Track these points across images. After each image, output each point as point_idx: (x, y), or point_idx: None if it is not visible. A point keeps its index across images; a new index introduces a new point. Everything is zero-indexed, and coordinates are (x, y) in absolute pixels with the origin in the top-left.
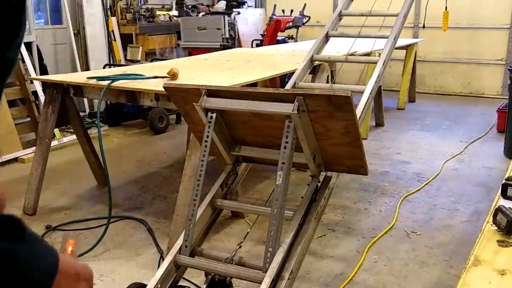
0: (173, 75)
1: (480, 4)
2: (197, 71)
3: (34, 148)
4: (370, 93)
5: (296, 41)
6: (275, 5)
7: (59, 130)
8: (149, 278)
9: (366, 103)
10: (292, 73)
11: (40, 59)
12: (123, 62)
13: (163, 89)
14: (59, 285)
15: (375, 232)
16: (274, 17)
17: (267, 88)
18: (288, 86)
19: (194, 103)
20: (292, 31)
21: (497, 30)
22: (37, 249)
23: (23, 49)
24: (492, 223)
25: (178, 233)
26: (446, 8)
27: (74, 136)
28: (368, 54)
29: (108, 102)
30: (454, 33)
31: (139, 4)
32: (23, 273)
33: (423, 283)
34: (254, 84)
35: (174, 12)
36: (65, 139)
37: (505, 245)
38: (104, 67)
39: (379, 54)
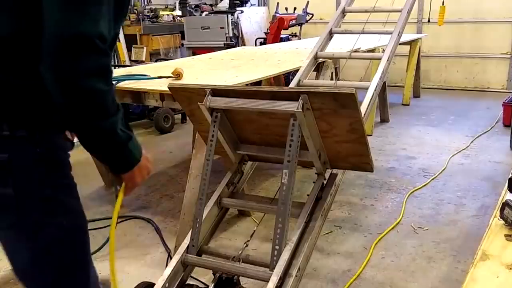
0: (177, 75)
1: None
2: (201, 70)
3: None
4: (375, 90)
5: (300, 38)
6: (278, 3)
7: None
8: (157, 277)
9: (371, 99)
10: (296, 70)
11: None
12: (127, 62)
13: (168, 89)
14: (142, 162)
15: (382, 228)
16: (277, 15)
17: (272, 87)
18: (293, 84)
19: (199, 103)
20: (296, 29)
21: (501, 23)
22: (136, 140)
23: None
24: (499, 217)
25: (185, 232)
26: (443, 3)
27: None
28: (372, 50)
29: None
30: (458, 28)
31: (143, 4)
32: (131, 148)
33: (431, 279)
34: (258, 83)
35: (178, 12)
36: None
37: None
38: None
39: (383, 50)
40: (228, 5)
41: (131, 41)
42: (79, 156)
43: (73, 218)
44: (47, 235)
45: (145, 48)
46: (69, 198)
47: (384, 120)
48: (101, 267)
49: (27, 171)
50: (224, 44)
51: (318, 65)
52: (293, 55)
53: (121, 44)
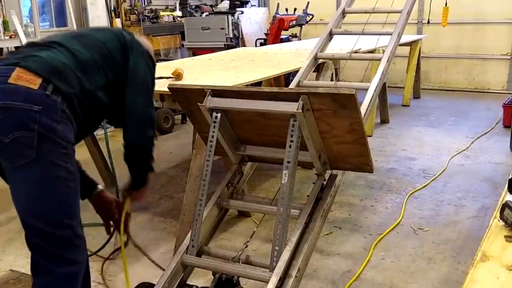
0: (177, 76)
1: None
2: (201, 71)
3: None
4: (375, 90)
5: (300, 39)
6: (278, 4)
7: None
8: (157, 277)
9: (370, 100)
10: (296, 71)
11: None
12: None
13: (168, 90)
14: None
15: (382, 229)
16: (278, 15)
17: (272, 88)
18: (293, 84)
19: (198, 104)
20: (296, 30)
21: (501, 24)
22: None
23: None
24: (499, 218)
25: (185, 232)
26: (446, 3)
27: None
28: (372, 51)
29: None
30: (459, 29)
31: (143, 5)
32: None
33: (430, 280)
34: (258, 83)
35: (178, 13)
36: None
37: None
38: None
39: (383, 51)
40: (228, 6)
41: None
42: (78, 157)
43: (75, 166)
44: (58, 175)
45: None
46: (73, 154)
47: (384, 121)
48: (101, 267)
49: (51, 124)
50: (225, 44)
51: (318, 66)
52: (293, 56)
53: None
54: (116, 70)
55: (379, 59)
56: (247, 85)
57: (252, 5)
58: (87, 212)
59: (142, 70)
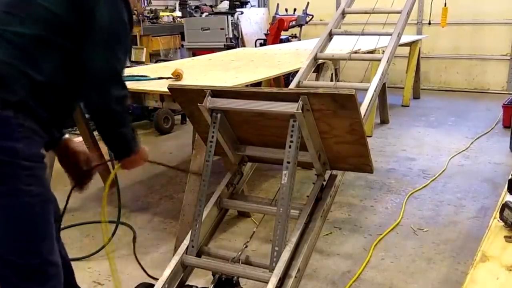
0: (177, 76)
1: None
2: (201, 71)
3: None
4: (375, 91)
5: (300, 39)
6: (278, 4)
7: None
8: (157, 277)
9: (370, 100)
10: (296, 71)
11: None
12: (127, 63)
13: (168, 90)
14: (138, 153)
15: (382, 229)
16: (277, 16)
17: (272, 88)
18: (292, 85)
19: (198, 104)
20: (296, 30)
21: (501, 25)
22: (136, 136)
23: None
24: (499, 219)
25: (185, 232)
26: (445, 4)
27: (80, 138)
28: (372, 52)
29: None
30: (458, 29)
31: (143, 5)
32: (132, 144)
33: (430, 280)
34: (258, 84)
35: (178, 13)
36: None
37: None
38: None
39: (383, 51)
40: (228, 6)
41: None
42: None
43: (42, 186)
44: (19, 201)
45: (145, 49)
46: (41, 171)
47: (384, 121)
48: (101, 267)
49: (11, 145)
50: (224, 45)
51: (318, 66)
52: (293, 56)
53: None
54: (73, 34)
55: (379, 60)
56: (247, 86)
57: (252, 6)
58: (87, 213)
59: (102, 17)
